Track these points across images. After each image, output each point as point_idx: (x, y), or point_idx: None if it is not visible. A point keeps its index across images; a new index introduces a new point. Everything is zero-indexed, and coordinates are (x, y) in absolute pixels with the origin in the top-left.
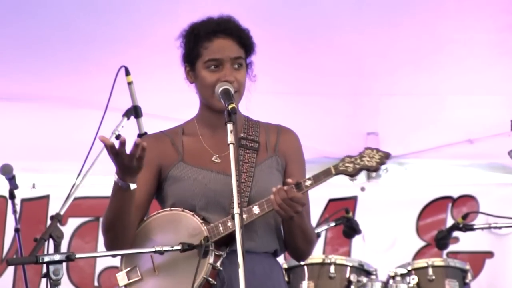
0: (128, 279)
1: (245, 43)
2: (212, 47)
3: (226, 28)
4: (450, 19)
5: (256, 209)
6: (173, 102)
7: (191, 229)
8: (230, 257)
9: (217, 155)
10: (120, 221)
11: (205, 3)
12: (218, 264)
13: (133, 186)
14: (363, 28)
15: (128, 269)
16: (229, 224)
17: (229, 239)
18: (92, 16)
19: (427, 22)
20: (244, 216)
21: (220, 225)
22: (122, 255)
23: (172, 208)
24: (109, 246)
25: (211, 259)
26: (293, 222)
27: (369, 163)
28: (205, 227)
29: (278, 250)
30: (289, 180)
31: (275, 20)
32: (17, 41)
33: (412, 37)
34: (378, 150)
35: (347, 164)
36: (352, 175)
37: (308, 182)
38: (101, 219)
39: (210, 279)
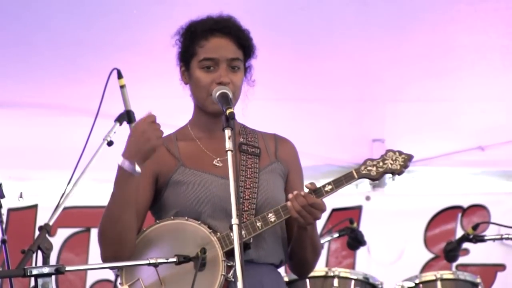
0: None
1: (244, 44)
2: (208, 45)
3: (225, 27)
4: (461, 23)
5: (271, 217)
6: (167, 109)
7: (199, 239)
8: None
9: (218, 159)
10: (124, 214)
11: (201, 6)
12: (230, 275)
13: (138, 170)
14: (369, 32)
15: (131, 282)
16: (243, 232)
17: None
18: (81, 19)
19: (436, 25)
20: (259, 223)
21: (231, 234)
22: (115, 267)
23: (174, 218)
24: (111, 252)
25: (223, 270)
26: (306, 232)
27: (393, 166)
28: (215, 237)
29: (283, 260)
30: (309, 185)
31: (277, 25)
32: (2, 46)
33: (421, 42)
34: (400, 153)
35: (369, 168)
36: (376, 179)
37: (328, 187)
38: (92, 230)
39: None
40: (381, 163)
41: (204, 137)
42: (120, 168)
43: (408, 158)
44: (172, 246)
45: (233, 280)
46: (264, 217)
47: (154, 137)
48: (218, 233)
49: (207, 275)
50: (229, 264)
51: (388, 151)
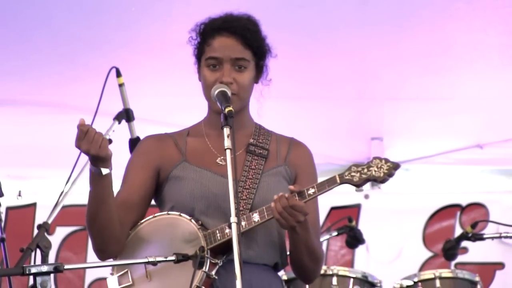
0: (119, 284)
1: (252, 44)
2: (214, 44)
3: (231, 26)
4: (459, 21)
5: (256, 217)
6: (165, 106)
7: (188, 235)
8: (226, 266)
9: (223, 157)
10: (101, 212)
11: (199, 5)
12: (213, 272)
13: (105, 171)
14: (367, 30)
15: (120, 273)
16: (227, 231)
17: (226, 247)
18: (80, 17)
19: (435, 24)
20: (243, 223)
21: (217, 231)
22: (113, 265)
23: (169, 212)
24: (96, 245)
25: (205, 267)
26: (297, 236)
27: (376, 174)
28: (202, 233)
29: (279, 263)
30: (292, 187)
31: (276, 23)
32: (1, 44)
33: (419, 40)
34: (386, 161)
35: (353, 174)
36: (358, 185)
37: (311, 191)
38: None
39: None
40: (365, 170)
41: (213, 135)
42: (90, 170)
43: (394, 167)
44: (163, 241)
45: (216, 278)
46: (249, 216)
47: (92, 147)
48: (209, 230)
49: (189, 271)
50: (213, 261)
51: (374, 158)
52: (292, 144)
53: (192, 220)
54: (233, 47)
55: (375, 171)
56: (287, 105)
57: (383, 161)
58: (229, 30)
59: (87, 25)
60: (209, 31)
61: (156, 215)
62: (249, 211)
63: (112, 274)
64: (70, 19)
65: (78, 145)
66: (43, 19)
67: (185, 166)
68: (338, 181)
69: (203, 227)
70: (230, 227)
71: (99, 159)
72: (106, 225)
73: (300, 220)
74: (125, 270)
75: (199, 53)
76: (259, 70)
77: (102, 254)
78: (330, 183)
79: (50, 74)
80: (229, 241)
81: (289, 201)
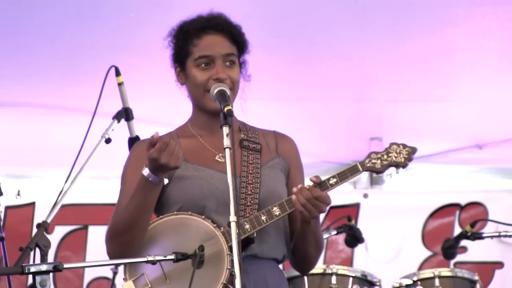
0: None
1: (237, 39)
2: (201, 43)
3: (217, 24)
4: (458, 26)
5: (276, 210)
6: (163, 109)
7: (204, 234)
8: (243, 263)
9: (221, 154)
10: (141, 219)
11: (197, 10)
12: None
13: (166, 180)
14: (367, 35)
15: (135, 277)
16: (247, 226)
17: (243, 243)
18: (79, 23)
19: (434, 29)
20: (264, 217)
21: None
22: (112, 264)
23: (177, 212)
24: (118, 252)
25: (228, 264)
26: (309, 227)
27: (397, 159)
28: (219, 231)
29: (286, 255)
30: (314, 178)
31: (275, 28)
32: (3, 49)
33: (418, 44)
34: (404, 146)
35: (374, 161)
36: (380, 172)
37: (332, 181)
38: (89, 227)
39: (230, 286)
40: (385, 156)
41: (205, 134)
42: (146, 178)
43: (412, 151)
44: (176, 241)
45: None
46: (269, 210)
47: (172, 160)
48: (222, 228)
49: (213, 269)
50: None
51: (392, 144)
52: (278, 137)
53: (206, 219)
54: (222, 44)
55: (395, 156)
56: (288, 106)
57: (401, 146)
58: (215, 27)
59: (86, 31)
60: (192, 32)
61: (163, 216)
62: (257, 205)
63: (125, 279)
64: (70, 25)
65: (157, 157)
66: (43, 25)
67: (186, 165)
68: (360, 169)
69: (217, 226)
70: (249, 222)
71: (169, 169)
72: (141, 233)
73: (323, 211)
74: (140, 274)
75: (183, 55)
76: (240, 66)
77: (117, 259)
78: (352, 172)
79: (50, 77)
80: (248, 237)
81: (312, 192)
